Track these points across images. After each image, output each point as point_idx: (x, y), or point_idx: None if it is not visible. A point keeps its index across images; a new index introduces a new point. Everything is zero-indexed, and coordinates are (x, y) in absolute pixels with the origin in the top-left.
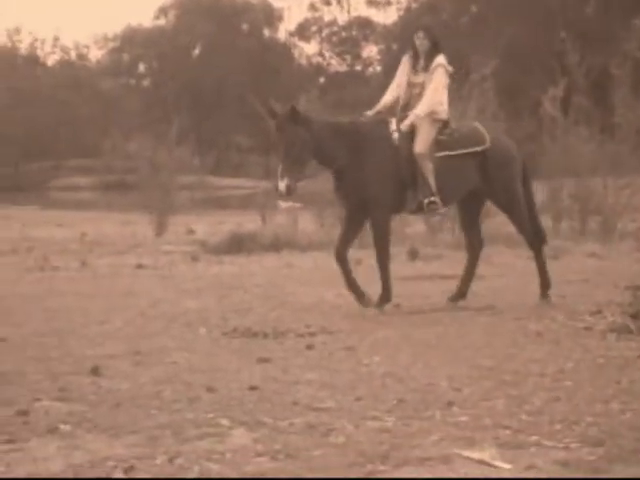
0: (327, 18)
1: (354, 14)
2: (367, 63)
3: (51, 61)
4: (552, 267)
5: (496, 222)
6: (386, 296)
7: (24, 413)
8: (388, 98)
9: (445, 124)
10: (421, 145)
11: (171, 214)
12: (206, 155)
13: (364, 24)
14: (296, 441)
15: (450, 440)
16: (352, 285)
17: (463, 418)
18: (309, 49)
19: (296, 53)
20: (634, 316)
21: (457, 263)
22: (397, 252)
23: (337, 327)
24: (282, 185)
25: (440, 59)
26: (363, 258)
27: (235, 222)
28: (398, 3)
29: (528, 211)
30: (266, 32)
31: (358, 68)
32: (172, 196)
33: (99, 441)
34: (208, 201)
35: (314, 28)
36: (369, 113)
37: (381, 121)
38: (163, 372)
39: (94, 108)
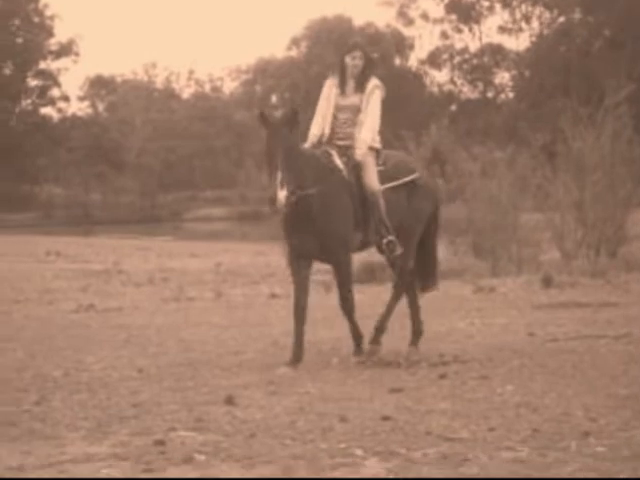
0: (458, 45)
1: (486, 41)
2: (499, 90)
3: (186, 94)
4: None
5: (632, 248)
6: (359, 344)
7: (161, 443)
8: (315, 132)
9: (377, 153)
10: (373, 180)
11: None
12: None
13: (496, 51)
14: (429, 471)
15: (587, 471)
16: (299, 340)
17: (600, 449)
18: (440, 77)
19: (427, 81)
20: None
21: (593, 290)
22: (531, 280)
23: (470, 356)
24: (282, 195)
25: (376, 80)
26: (496, 286)
27: (368, 250)
28: (530, 29)
29: (431, 251)
30: (397, 60)
31: (490, 95)
32: None
33: (234, 471)
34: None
35: (445, 56)
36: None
37: (325, 153)
38: (296, 402)
39: (228, 139)
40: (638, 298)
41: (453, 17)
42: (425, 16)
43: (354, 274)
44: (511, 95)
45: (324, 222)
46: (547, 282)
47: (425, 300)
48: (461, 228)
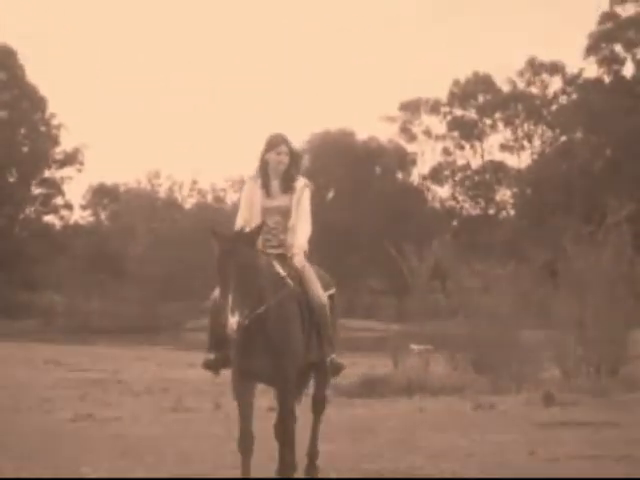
0: (460, 162)
1: (487, 158)
2: (500, 207)
3: (188, 204)
4: None
5: (634, 367)
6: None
7: None
8: None
9: None
10: (320, 290)
11: None
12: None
13: (497, 168)
14: None
15: None
16: (246, 473)
17: None
18: (442, 192)
19: (429, 196)
20: None
21: (594, 409)
22: (532, 397)
23: (470, 473)
24: (233, 321)
25: (303, 179)
26: (496, 403)
27: (367, 364)
28: (532, 147)
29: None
30: (399, 175)
31: (491, 212)
32: None
33: None
34: (340, 343)
35: (447, 172)
36: None
37: (268, 262)
38: None
39: None
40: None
41: (455, 134)
42: (427, 132)
43: (355, 388)
44: (512, 212)
45: (279, 338)
46: (548, 400)
47: (425, 415)
48: (461, 343)
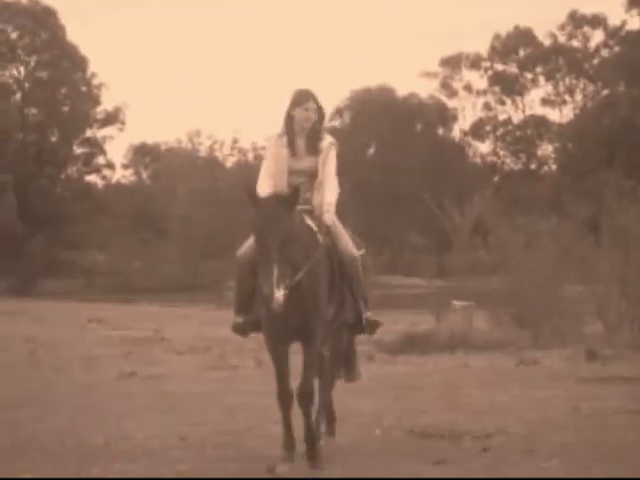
0: (501, 117)
1: (529, 113)
2: (542, 162)
3: (229, 163)
4: None
5: None
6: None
7: None
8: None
9: None
10: (350, 246)
11: None
12: (380, 254)
13: (539, 123)
14: None
15: None
16: (288, 427)
17: None
18: (483, 148)
19: (470, 152)
20: None
21: (637, 365)
22: (574, 353)
23: (514, 429)
24: (279, 296)
25: (329, 137)
26: (539, 358)
27: (409, 321)
28: (574, 102)
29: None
30: (440, 131)
31: (533, 167)
32: None
33: None
34: (382, 300)
35: (488, 127)
36: None
37: (299, 215)
38: (339, 474)
39: None
40: None
41: (496, 89)
42: (468, 87)
43: (397, 345)
44: (554, 167)
45: (311, 300)
46: (590, 355)
47: (468, 371)
48: (503, 299)
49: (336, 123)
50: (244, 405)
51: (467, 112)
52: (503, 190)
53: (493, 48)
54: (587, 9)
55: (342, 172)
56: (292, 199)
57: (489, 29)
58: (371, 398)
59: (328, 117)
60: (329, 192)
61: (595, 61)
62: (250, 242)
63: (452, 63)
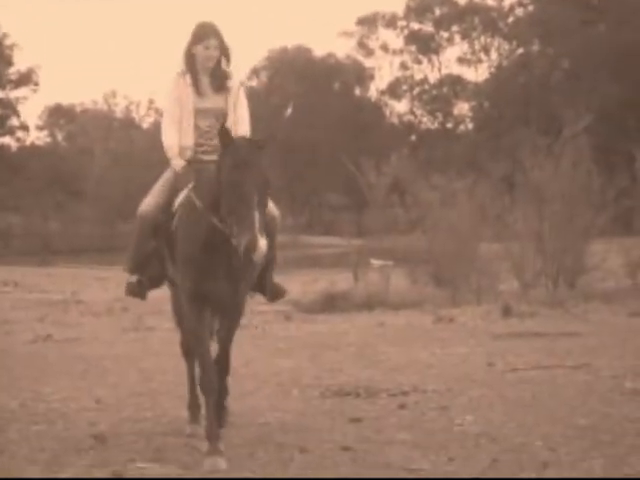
0: (418, 76)
1: (445, 72)
2: (458, 121)
3: (146, 123)
4: None
5: (591, 278)
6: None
7: (119, 474)
8: (185, 144)
9: None
10: (273, 204)
11: None
12: (299, 214)
13: (455, 82)
14: None
15: None
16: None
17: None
18: (400, 107)
19: (387, 111)
20: None
21: (552, 320)
22: (490, 309)
23: (430, 386)
24: (263, 244)
25: (237, 77)
26: (455, 316)
27: (328, 280)
28: (489, 61)
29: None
30: (357, 91)
31: (449, 126)
32: None
33: None
34: (301, 259)
35: (405, 87)
36: (178, 163)
37: None
38: (256, 433)
39: None
40: (596, 328)
41: (412, 48)
42: (385, 47)
43: (316, 304)
44: (470, 126)
45: (243, 262)
46: (506, 312)
47: (385, 330)
48: (421, 258)
49: (253, 83)
50: (161, 367)
51: (384, 72)
52: (420, 149)
53: (409, 7)
54: None
55: (258, 131)
56: (265, 142)
57: None
58: (289, 357)
59: (245, 76)
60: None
61: (510, 20)
62: (154, 199)
63: (368, 22)
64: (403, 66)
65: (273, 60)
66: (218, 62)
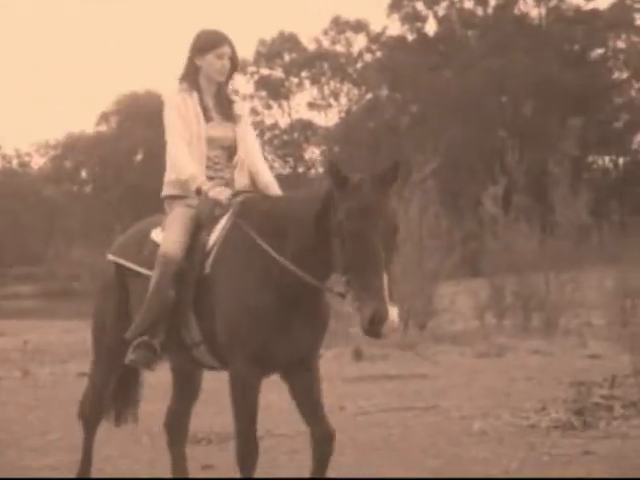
0: (268, 121)
1: (295, 117)
2: (309, 165)
3: None
4: (496, 365)
5: (440, 321)
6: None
7: None
8: (196, 170)
9: None
10: None
11: None
12: None
13: (306, 126)
14: None
15: None
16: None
17: None
18: None
19: None
20: (578, 413)
21: (403, 363)
22: (342, 352)
23: (281, 430)
24: (395, 315)
25: (241, 102)
26: None
27: None
28: (339, 105)
29: None
30: None
31: (300, 170)
32: None
33: None
34: None
35: (256, 132)
36: (220, 191)
37: None
38: None
39: (37, 215)
40: (445, 369)
41: (263, 94)
42: (235, 92)
43: None
44: (321, 170)
45: (324, 309)
46: (357, 355)
47: None
48: None
49: (103, 128)
50: (7, 417)
51: None
52: None
53: (259, 53)
54: (350, 15)
55: (108, 178)
56: (391, 178)
57: (254, 35)
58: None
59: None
60: (268, 172)
61: (359, 65)
62: (179, 238)
63: None
64: (254, 111)
65: (123, 105)
66: (227, 79)
